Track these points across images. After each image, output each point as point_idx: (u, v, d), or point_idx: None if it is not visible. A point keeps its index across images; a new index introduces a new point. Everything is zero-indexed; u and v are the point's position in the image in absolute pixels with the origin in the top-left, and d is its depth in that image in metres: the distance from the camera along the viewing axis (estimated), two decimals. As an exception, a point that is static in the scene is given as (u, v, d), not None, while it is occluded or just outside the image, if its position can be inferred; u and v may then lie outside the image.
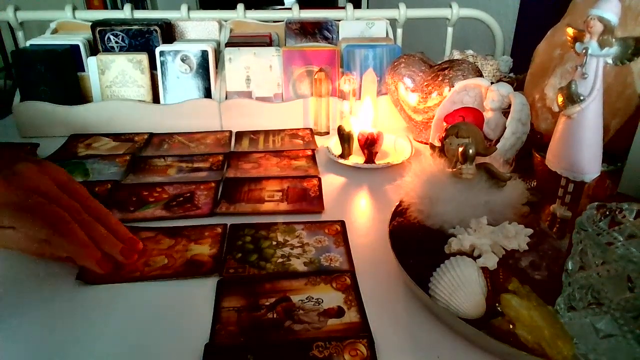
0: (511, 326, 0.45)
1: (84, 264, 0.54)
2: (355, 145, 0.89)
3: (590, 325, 0.42)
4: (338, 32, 1.15)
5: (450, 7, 1.28)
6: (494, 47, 1.35)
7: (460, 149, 0.58)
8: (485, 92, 0.80)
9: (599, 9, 0.51)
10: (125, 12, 1.20)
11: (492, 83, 0.80)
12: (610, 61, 0.53)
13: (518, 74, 1.10)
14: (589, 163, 0.56)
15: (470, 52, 1.13)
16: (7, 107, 1.03)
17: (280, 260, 0.61)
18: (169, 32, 1.12)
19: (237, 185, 0.80)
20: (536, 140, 0.76)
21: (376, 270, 0.59)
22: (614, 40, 0.51)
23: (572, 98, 0.54)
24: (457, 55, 1.12)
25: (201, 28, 1.15)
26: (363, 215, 0.74)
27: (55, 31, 1.15)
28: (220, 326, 0.50)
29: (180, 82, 1.03)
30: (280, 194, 0.78)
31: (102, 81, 1.02)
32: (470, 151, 0.57)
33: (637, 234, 0.44)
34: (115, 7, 3.49)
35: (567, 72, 0.71)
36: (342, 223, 0.69)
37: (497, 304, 0.48)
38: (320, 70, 0.98)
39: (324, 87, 0.97)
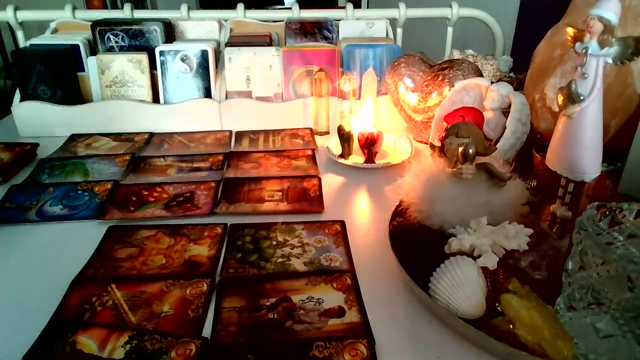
0: (511, 326, 0.45)
1: None
2: (355, 145, 0.89)
3: (590, 325, 0.42)
4: (338, 32, 1.15)
5: (450, 6, 1.28)
6: (494, 47, 1.35)
7: (460, 149, 0.58)
8: (485, 92, 0.80)
9: (599, 9, 0.51)
10: (125, 12, 1.20)
11: (492, 83, 0.80)
12: (610, 61, 0.53)
13: (518, 74, 1.10)
14: (589, 163, 0.56)
15: (470, 52, 1.13)
16: (7, 107, 1.03)
17: (280, 260, 0.61)
18: (169, 32, 1.11)
19: (237, 185, 0.80)
20: (536, 140, 0.76)
21: (376, 270, 0.59)
22: (614, 40, 0.51)
23: (572, 98, 0.54)
24: (457, 55, 1.12)
25: (201, 28, 1.15)
26: (363, 215, 0.74)
27: (55, 31, 1.15)
28: (220, 326, 0.50)
29: (180, 82, 1.03)
30: (280, 193, 0.78)
31: (102, 81, 1.02)
32: (470, 151, 0.57)
33: (637, 234, 0.44)
34: (115, 7, 3.49)
35: (567, 72, 0.71)
36: (342, 223, 0.69)
37: (497, 304, 0.48)
38: (320, 70, 0.98)
39: (324, 87, 0.97)
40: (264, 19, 1.22)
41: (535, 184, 0.73)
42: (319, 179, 0.82)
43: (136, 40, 1.06)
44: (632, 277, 0.39)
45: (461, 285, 0.48)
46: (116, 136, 1.01)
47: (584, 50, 0.53)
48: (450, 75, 0.89)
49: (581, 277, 0.43)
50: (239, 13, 1.22)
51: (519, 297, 0.47)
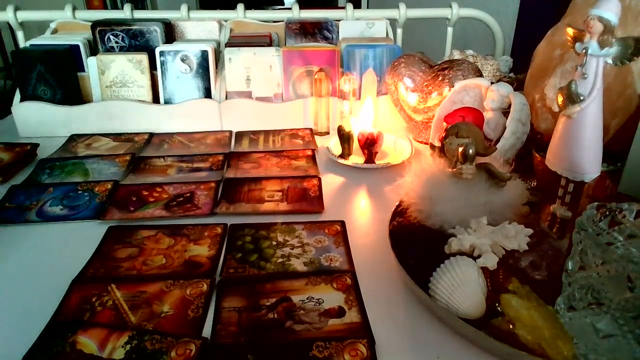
0: (511, 326, 0.45)
1: None
2: (355, 145, 0.89)
3: (590, 325, 0.42)
4: (338, 32, 1.15)
5: (450, 7, 1.28)
6: (494, 47, 1.35)
7: (460, 149, 0.58)
8: (485, 92, 0.80)
9: (599, 9, 0.51)
10: (125, 12, 1.20)
11: (492, 83, 0.80)
12: (610, 61, 0.53)
13: (518, 74, 1.10)
14: (589, 163, 0.56)
15: (470, 52, 1.13)
16: (7, 107, 1.03)
17: (280, 260, 0.61)
18: (169, 32, 1.11)
19: (237, 185, 0.80)
20: (536, 140, 0.76)
21: (376, 270, 0.59)
22: (614, 40, 0.51)
23: (572, 98, 0.54)
24: (457, 55, 1.12)
25: (201, 28, 1.15)
26: (363, 215, 0.74)
27: (55, 31, 1.15)
28: (220, 326, 0.50)
29: (180, 82, 1.03)
30: (280, 194, 0.78)
31: (102, 81, 1.02)
32: (470, 151, 0.57)
33: (637, 234, 0.44)
34: (115, 7, 3.49)
35: (567, 72, 0.71)
36: (342, 223, 0.69)
37: (497, 304, 0.48)
38: (320, 70, 0.98)
39: (324, 87, 0.97)
40: (264, 19, 1.22)
41: (535, 184, 0.73)
42: (319, 179, 0.82)
43: (136, 41, 1.06)
44: (632, 277, 0.39)
45: (461, 285, 0.48)
46: (116, 136, 1.01)
47: (584, 51, 0.53)
48: (450, 76, 0.89)
49: (581, 277, 0.43)
50: (239, 13, 1.22)
51: (519, 297, 0.47)
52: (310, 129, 1.04)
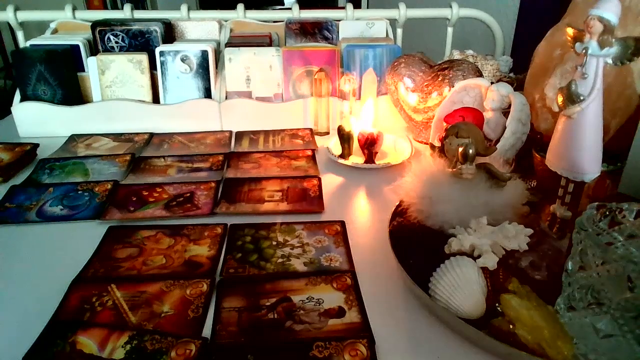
0: (511, 326, 0.45)
1: None
2: (355, 145, 0.89)
3: (590, 325, 0.42)
4: (338, 32, 1.15)
5: (450, 7, 1.28)
6: (494, 47, 1.35)
7: (460, 149, 0.58)
8: (485, 92, 0.80)
9: (599, 9, 0.51)
10: (125, 12, 1.20)
11: (492, 83, 0.80)
12: (610, 61, 0.53)
13: (518, 74, 1.10)
14: (589, 163, 0.56)
15: (470, 52, 1.13)
16: (7, 107, 1.03)
17: (280, 260, 0.61)
18: (169, 32, 1.11)
19: (237, 185, 0.80)
20: (536, 140, 0.76)
21: (376, 270, 0.59)
22: (614, 40, 0.51)
23: (572, 98, 0.54)
24: (457, 55, 1.12)
25: (201, 28, 1.15)
26: (363, 215, 0.74)
27: (55, 31, 1.15)
28: (220, 326, 0.50)
29: (180, 82, 1.03)
30: (280, 194, 0.78)
31: (102, 81, 1.02)
32: (470, 151, 0.57)
33: (637, 234, 0.44)
34: (115, 7, 3.48)
35: (567, 72, 0.71)
36: (342, 223, 0.69)
37: (497, 304, 0.48)
38: (320, 70, 0.98)
39: (324, 87, 0.97)
40: (264, 19, 1.22)
41: (535, 184, 0.73)
42: (319, 179, 0.82)
43: (136, 41, 1.06)
44: (632, 277, 0.39)
45: (461, 285, 0.48)
46: (116, 136, 1.01)
47: (584, 51, 0.53)
48: (450, 76, 0.89)
49: (581, 277, 0.43)
50: (239, 13, 1.22)
51: (519, 297, 0.47)
52: (310, 129, 1.04)
